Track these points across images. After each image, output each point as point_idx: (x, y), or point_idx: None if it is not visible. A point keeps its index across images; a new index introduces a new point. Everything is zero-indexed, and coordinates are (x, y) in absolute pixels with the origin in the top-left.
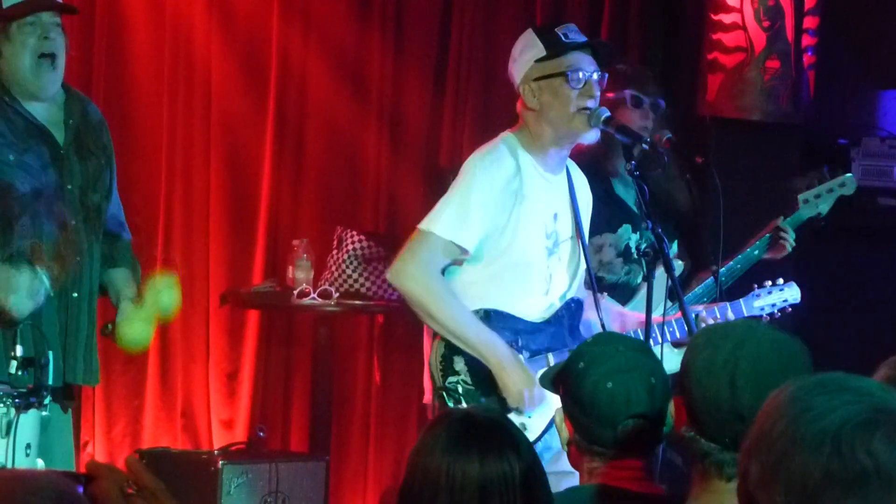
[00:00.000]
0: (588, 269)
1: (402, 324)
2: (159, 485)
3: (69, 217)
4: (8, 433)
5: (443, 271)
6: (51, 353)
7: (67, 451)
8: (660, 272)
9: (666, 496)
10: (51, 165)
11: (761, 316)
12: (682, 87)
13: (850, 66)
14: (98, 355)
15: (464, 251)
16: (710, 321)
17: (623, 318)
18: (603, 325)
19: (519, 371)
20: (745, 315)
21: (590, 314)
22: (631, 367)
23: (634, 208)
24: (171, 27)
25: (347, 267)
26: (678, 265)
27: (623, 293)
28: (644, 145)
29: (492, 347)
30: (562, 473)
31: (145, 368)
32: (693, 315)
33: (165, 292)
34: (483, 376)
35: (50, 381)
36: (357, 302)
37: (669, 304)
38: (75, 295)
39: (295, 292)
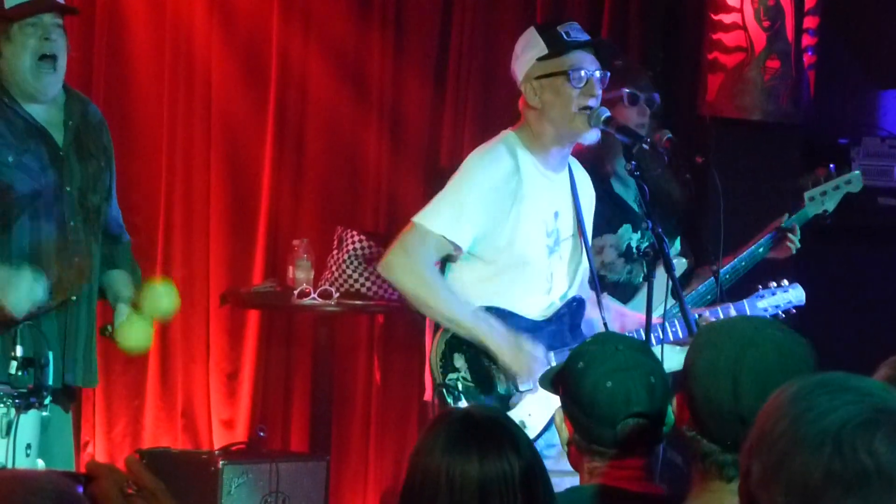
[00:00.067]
0: (590, 268)
1: (402, 324)
2: (159, 485)
3: (68, 218)
4: (8, 433)
5: (442, 270)
6: (51, 354)
7: (67, 451)
8: (660, 272)
9: (666, 496)
10: (50, 167)
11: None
12: (683, 86)
13: (850, 65)
14: (98, 356)
15: (456, 247)
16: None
17: (623, 317)
18: (605, 325)
19: (517, 348)
20: None
21: (592, 313)
22: (630, 367)
23: (635, 206)
24: (171, 27)
25: (348, 267)
26: (681, 263)
27: (625, 292)
28: (644, 145)
29: (487, 330)
30: (566, 473)
31: (145, 368)
32: (696, 316)
33: (164, 296)
34: (483, 373)
35: (50, 382)
36: (357, 302)
37: (671, 302)
38: (74, 297)
39: (295, 292)
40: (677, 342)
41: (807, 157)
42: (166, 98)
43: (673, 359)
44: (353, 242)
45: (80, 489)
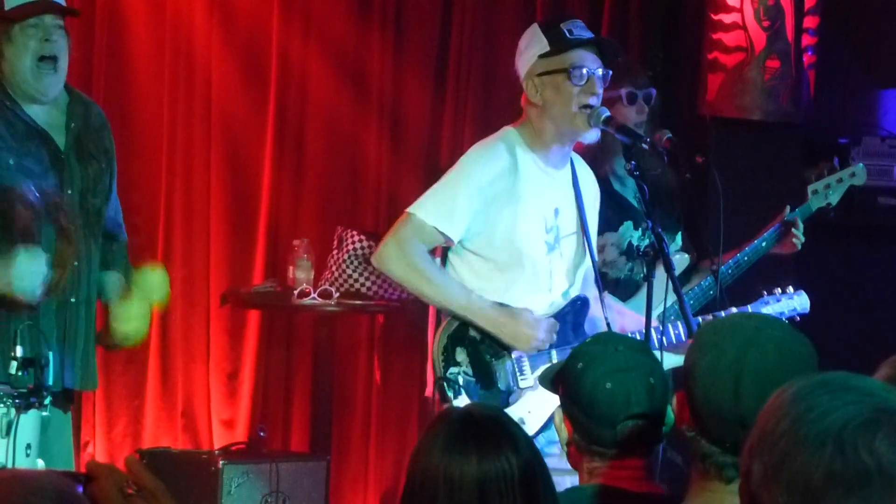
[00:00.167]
0: (593, 266)
1: (402, 324)
2: (159, 485)
3: (69, 221)
4: (8, 433)
5: (446, 269)
6: (51, 354)
7: (67, 451)
8: (661, 271)
9: (666, 496)
10: (51, 169)
11: None
12: (683, 86)
13: (850, 65)
14: (97, 357)
15: (447, 239)
16: None
17: (623, 317)
18: (608, 324)
19: (514, 322)
20: None
21: (595, 312)
22: (630, 367)
23: (635, 203)
24: (171, 27)
25: (348, 267)
26: (683, 258)
27: (626, 289)
28: (644, 145)
29: (481, 310)
30: (568, 472)
31: (146, 368)
32: (699, 321)
33: (154, 282)
34: (484, 368)
35: (50, 382)
36: (357, 302)
37: (672, 298)
38: (73, 300)
39: (295, 292)
40: (674, 349)
41: (807, 157)
42: (166, 98)
43: (672, 356)
44: (354, 242)
45: (80, 489)
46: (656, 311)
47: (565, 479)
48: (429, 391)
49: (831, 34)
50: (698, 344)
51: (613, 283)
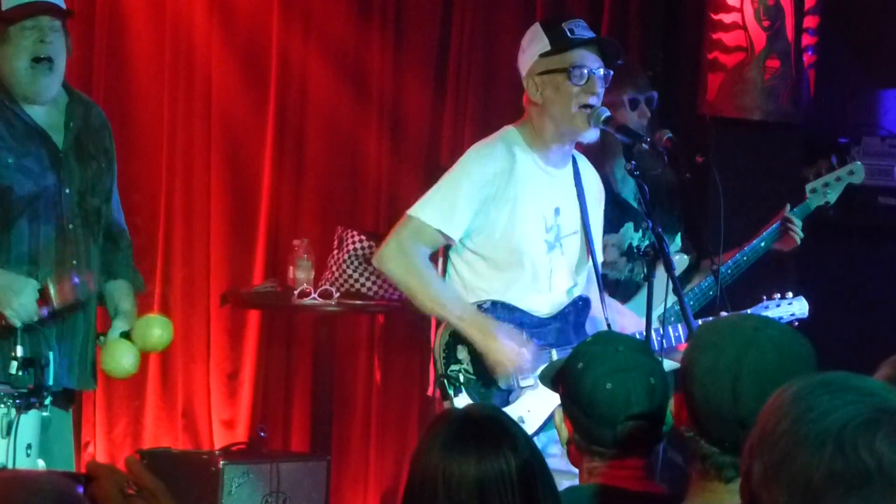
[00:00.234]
0: (594, 266)
1: (402, 324)
2: (160, 485)
3: (67, 221)
4: (9, 433)
5: (444, 267)
6: (51, 354)
7: (68, 451)
8: (661, 271)
9: (666, 495)
10: (50, 169)
11: None
12: (683, 86)
13: (850, 65)
14: (96, 359)
15: (448, 239)
16: None
17: (623, 317)
18: (609, 324)
19: (502, 344)
20: None
21: (596, 312)
22: (630, 367)
23: (635, 204)
24: (171, 27)
25: (348, 267)
26: (683, 259)
27: (626, 290)
28: (644, 145)
29: (473, 323)
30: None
31: (146, 369)
32: (698, 323)
33: (157, 333)
34: (485, 366)
35: (50, 382)
36: (358, 302)
37: (672, 299)
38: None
39: (296, 292)
40: (667, 355)
41: (807, 157)
42: (166, 98)
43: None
44: (354, 242)
45: (81, 489)
46: (656, 313)
47: (562, 482)
48: (431, 390)
49: (831, 34)
50: (696, 344)
51: (613, 285)
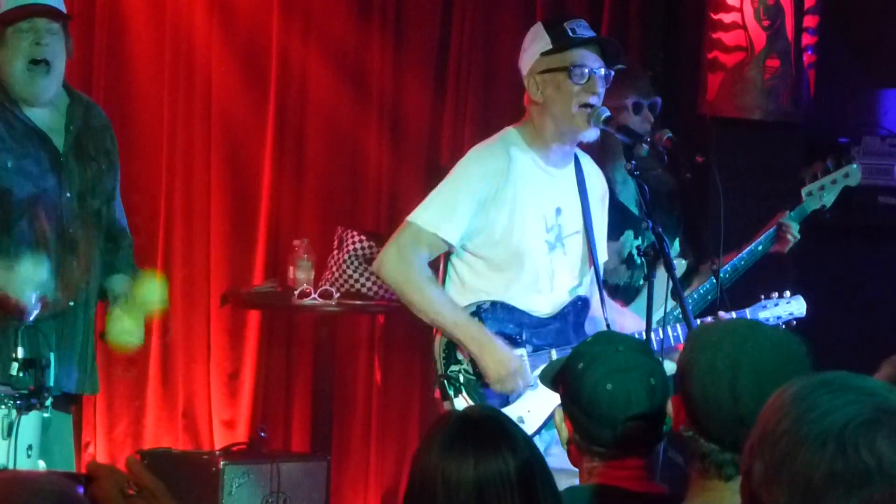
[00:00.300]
0: (595, 266)
1: (403, 324)
2: (160, 485)
3: (67, 223)
4: (9, 434)
5: (445, 268)
6: (52, 355)
7: (68, 452)
8: (661, 272)
9: (667, 495)
10: (50, 171)
11: None
12: (683, 86)
13: (850, 64)
14: (98, 358)
15: (447, 244)
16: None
17: (624, 317)
18: (608, 324)
19: (496, 357)
20: None
21: (596, 312)
22: (631, 368)
23: (636, 211)
24: (171, 28)
25: (348, 267)
26: (680, 264)
27: (626, 295)
28: (644, 144)
29: (469, 333)
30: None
31: (146, 369)
32: (697, 323)
33: (151, 290)
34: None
35: (51, 384)
36: (358, 302)
37: (671, 304)
38: (71, 303)
39: (296, 292)
40: (670, 357)
41: (807, 157)
42: (166, 98)
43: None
44: (354, 242)
45: (81, 490)
46: (657, 315)
47: (570, 479)
48: (437, 393)
49: (831, 33)
50: (694, 345)
51: (613, 289)
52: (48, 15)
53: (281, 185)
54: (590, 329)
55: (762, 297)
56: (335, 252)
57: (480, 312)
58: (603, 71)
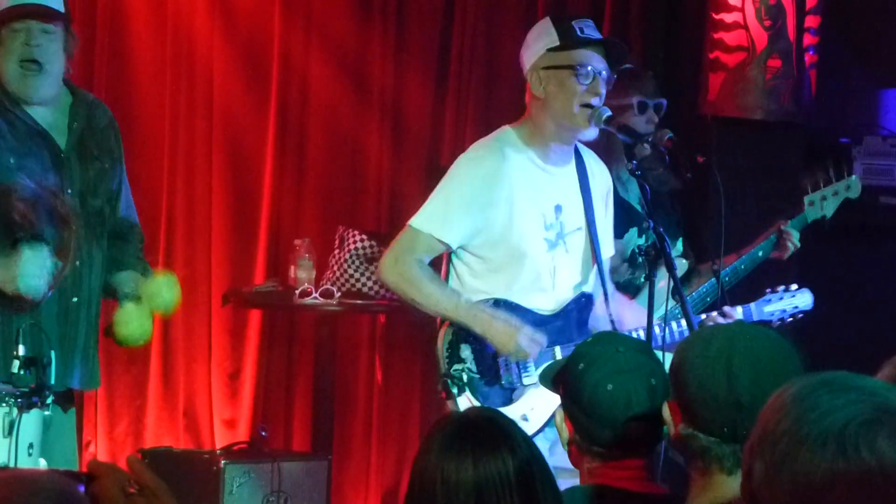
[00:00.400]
0: (598, 261)
1: (403, 323)
2: (161, 484)
3: (69, 221)
4: (10, 433)
5: (447, 269)
6: (53, 353)
7: (70, 450)
8: (662, 271)
9: (667, 495)
10: (51, 169)
11: (771, 321)
12: (684, 86)
13: (851, 64)
14: (99, 359)
15: (445, 246)
16: (721, 322)
17: (625, 309)
18: (613, 321)
19: (500, 330)
20: (755, 320)
21: (600, 309)
22: (631, 369)
23: (639, 208)
24: (172, 27)
25: (349, 266)
26: (682, 264)
27: (626, 293)
28: (646, 144)
29: (469, 315)
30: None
31: (147, 368)
32: (702, 318)
33: (163, 289)
34: (488, 365)
35: (52, 382)
36: (359, 301)
37: (672, 303)
38: (75, 300)
39: (297, 292)
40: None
41: (808, 157)
42: (168, 98)
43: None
44: (355, 242)
45: (82, 489)
46: (657, 314)
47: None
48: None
49: (833, 33)
50: (685, 345)
51: (615, 287)
52: (40, 16)
53: (282, 184)
54: (594, 325)
55: (767, 290)
56: (336, 251)
57: None
58: (605, 74)
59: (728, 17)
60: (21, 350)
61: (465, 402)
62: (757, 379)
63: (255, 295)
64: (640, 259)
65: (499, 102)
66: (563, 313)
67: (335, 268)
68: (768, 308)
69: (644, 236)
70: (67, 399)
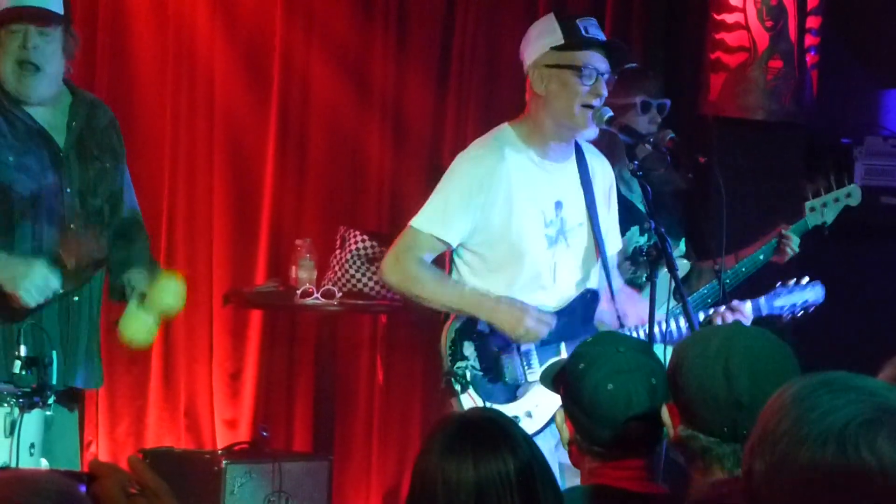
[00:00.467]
0: (602, 256)
1: (405, 323)
2: (162, 484)
3: (69, 221)
4: (12, 433)
5: (449, 271)
6: (54, 353)
7: (72, 450)
8: (663, 272)
9: (667, 495)
10: (50, 168)
11: (781, 315)
12: (685, 86)
13: (852, 65)
14: (101, 358)
15: (446, 244)
16: (729, 317)
17: (627, 302)
18: (619, 318)
19: (505, 316)
20: (764, 314)
21: (605, 305)
22: (632, 369)
23: (641, 207)
24: (173, 27)
25: (350, 266)
26: (684, 265)
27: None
28: (647, 145)
29: (477, 301)
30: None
31: (149, 368)
32: (710, 312)
33: (170, 291)
34: (491, 362)
35: (54, 382)
36: (360, 301)
37: (673, 303)
38: (76, 299)
39: (298, 292)
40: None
41: (809, 157)
42: (169, 98)
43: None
44: (356, 242)
45: (83, 489)
46: (659, 312)
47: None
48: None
49: (834, 34)
50: (682, 347)
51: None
52: (36, 19)
53: (283, 184)
54: (600, 320)
55: (778, 283)
56: (337, 252)
57: None
58: (607, 76)
59: (729, 18)
60: (22, 350)
61: (468, 399)
62: (756, 378)
63: (256, 295)
64: (642, 258)
65: (500, 102)
66: (568, 310)
67: (336, 268)
68: (778, 302)
69: (646, 235)
70: (71, 398)
